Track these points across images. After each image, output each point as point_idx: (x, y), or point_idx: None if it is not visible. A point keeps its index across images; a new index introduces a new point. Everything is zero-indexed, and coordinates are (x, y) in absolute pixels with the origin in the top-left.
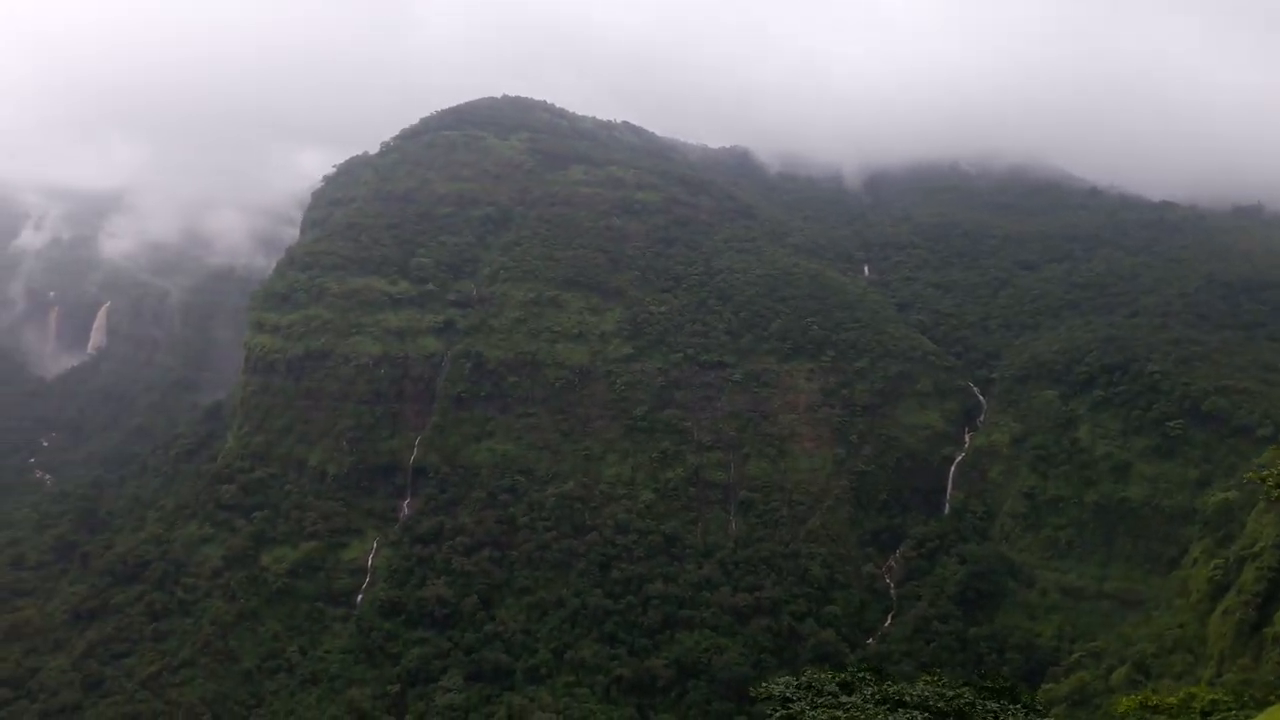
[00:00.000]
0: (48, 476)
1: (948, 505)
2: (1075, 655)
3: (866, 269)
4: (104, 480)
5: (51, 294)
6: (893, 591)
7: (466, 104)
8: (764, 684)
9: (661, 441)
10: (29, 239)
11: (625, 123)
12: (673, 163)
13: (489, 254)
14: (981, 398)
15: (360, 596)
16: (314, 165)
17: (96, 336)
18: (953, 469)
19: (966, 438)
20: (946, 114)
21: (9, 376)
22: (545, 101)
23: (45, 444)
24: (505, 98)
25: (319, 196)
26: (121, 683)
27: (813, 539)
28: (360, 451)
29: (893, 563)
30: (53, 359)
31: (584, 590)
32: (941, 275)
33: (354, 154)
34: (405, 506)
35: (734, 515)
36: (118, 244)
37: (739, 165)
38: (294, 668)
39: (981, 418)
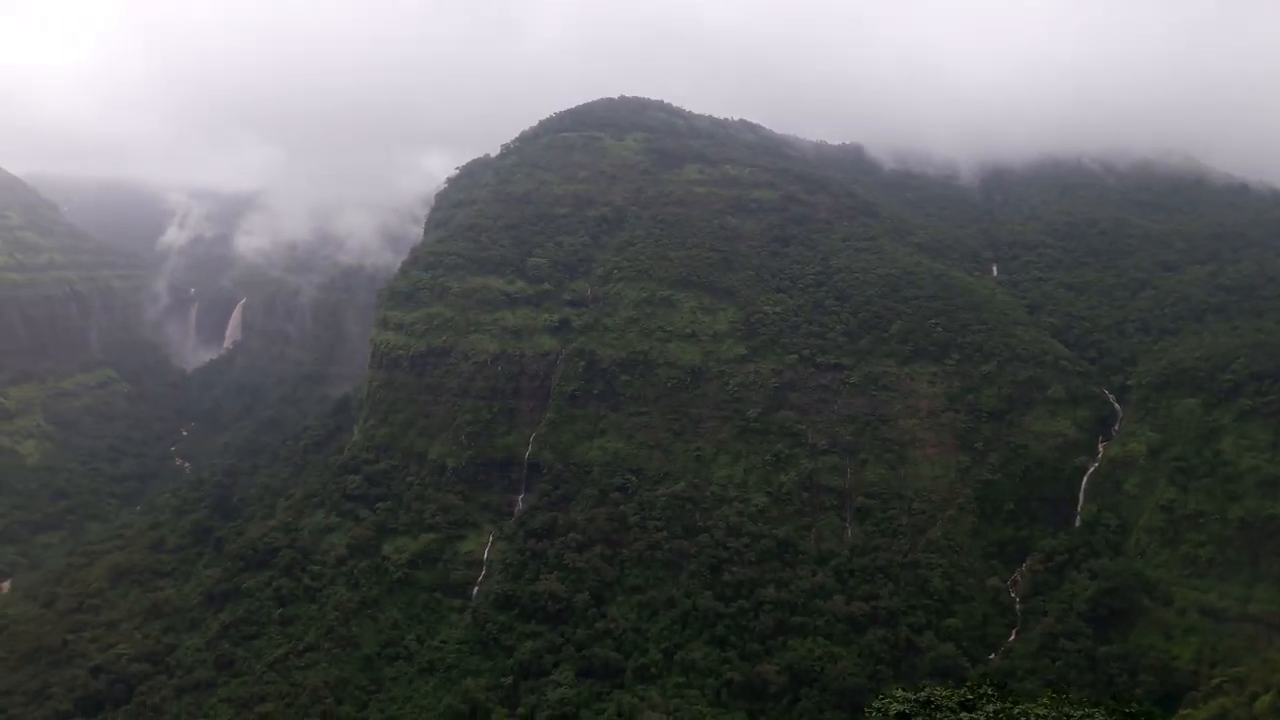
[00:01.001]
0: (186, 464)
1: (1079, 518)
2: (1216, 680)
3: (995, 269)
4: (238, 469)
5: (192, 290)
6: (1018, 606)
7: (584, 105)
8: (881, 699)
9: (775, 444)
10: (174, 236)
11: (742, 120)
12: (790, 160)
13: (603, 254)
14: (1117, 405)
15: (476, 589)
16: (439, 167)
17: (232, 331)
18: (1085, 480)
19: (1100, 447)
20: (1068, 107)
21: (154, 368)
22: (661, 101)
23: (185, 433)
24: (622, 98)
25: (442, 198)
26: (250, 663)
27: (933, 549)
28: (477, 446)
29: (1018, 576)
30: (192, 352)
31: (694, 592)
32: (1075, 276)
33: (476, 156)
34: (520, 501)
35: (850, 522)
36: (253, 242)
37: (853, 162)
38: (412, 656)
39: (1117, 426)
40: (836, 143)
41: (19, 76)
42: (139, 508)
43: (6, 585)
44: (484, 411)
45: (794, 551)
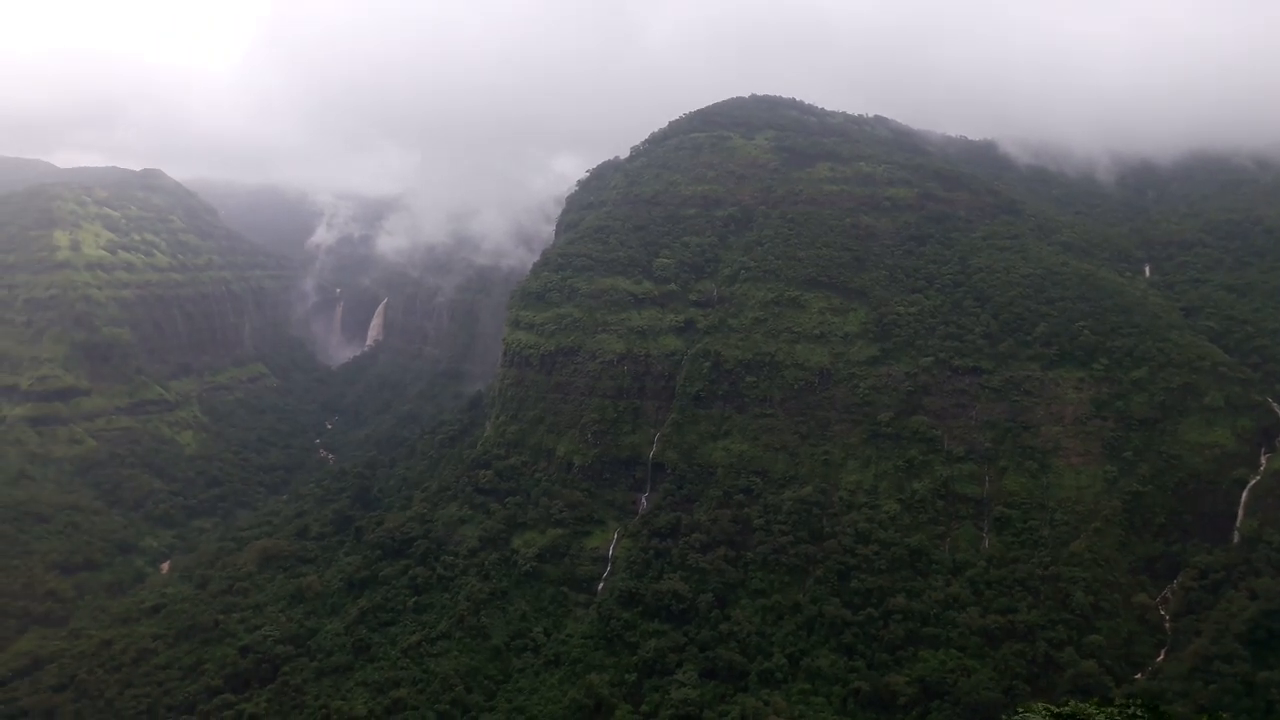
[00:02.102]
0: (330, 456)
1: (1237, 534)
2: None
3: (1148, 269)
4: (377, 461)
5: (338, 290)
6: (1167, 625)
7: (714, 105)
8: (1020, 713)
9: (908, 450)
10: (321, 237)
11: (877, 116)
12: (927, 156)
13: (730, 254)
14: None
15: (601, 584)
16: (570, 170)
17: (375, 330)
18: (1245, 493)
19: (1263, 459)
20: (1216, 102)
21: (301, 364)
22: (793, 99)
23: (329, 426)
24: (753, 97)
25: (572, 201)
26: (386, 649)
27: (1076, 562)
28: (603, 444)
29: (1169, 593)
30: (337, 349)
31: (821, 598)
32: (1236, 277)
33: (606, 159)
34: (644, 500)
35: (987, 532)
36: (394, 243)
37: (986, 159)
38: (539, 648)
39: None
40: (964, 137)
41: (178, 89)
42: (285, 496)
43: (166, 566)
44: (609, 410)
45: (926, 560)
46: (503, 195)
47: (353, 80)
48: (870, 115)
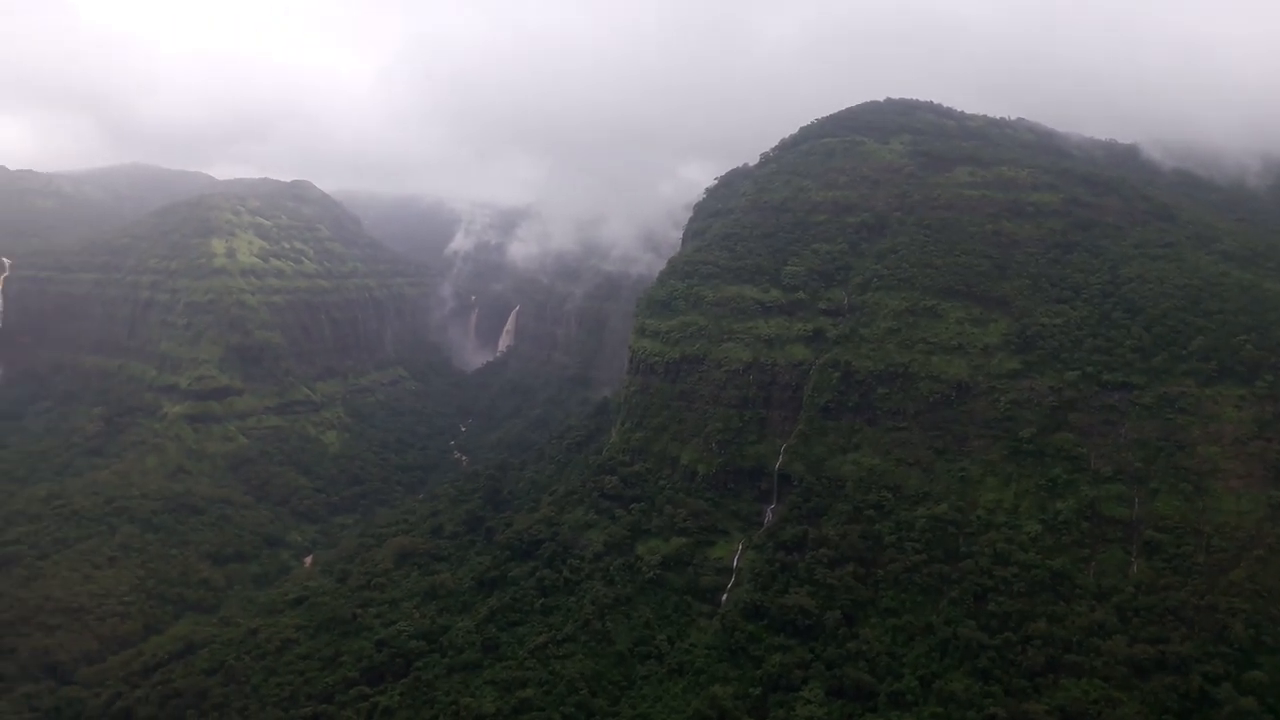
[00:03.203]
0: (464, 457)
1: None
2: None
3: None
4: (508, 463)
5: (473, 297)
6: None
7: (846, 110)
8: None
9: (1051, 468)
10: (459, 244)
11: (1020, 119)
12: (1073, 160)
13: (862, 261)
14: None
15: (725, 596)
16: (698, 177)
17: (507, 336)
18: None
19: None
20: None
21: (438, 368)
22: (930, 102)
23: (463, 429)
24: (888, 100)
25: (699, 208)
26: (513, 649)
27: (1235, 592)
28: (728, 454)
29: None
30: (472, 354)
31: (956, 619)
32: None
33: (735, 165)
34: (769, 512)
35: (1136, 556)
36: (526, 251)
37: (1129, 163)
38: (663, 656)
39: None
40: (1113, 140)
41: (323, 105)
42: (421, 496)
43: (309, 560)
44: (735, 420)
45: (1069, 585)
46: (631, 203)
47: (485, 92)
48: (1014, 118)
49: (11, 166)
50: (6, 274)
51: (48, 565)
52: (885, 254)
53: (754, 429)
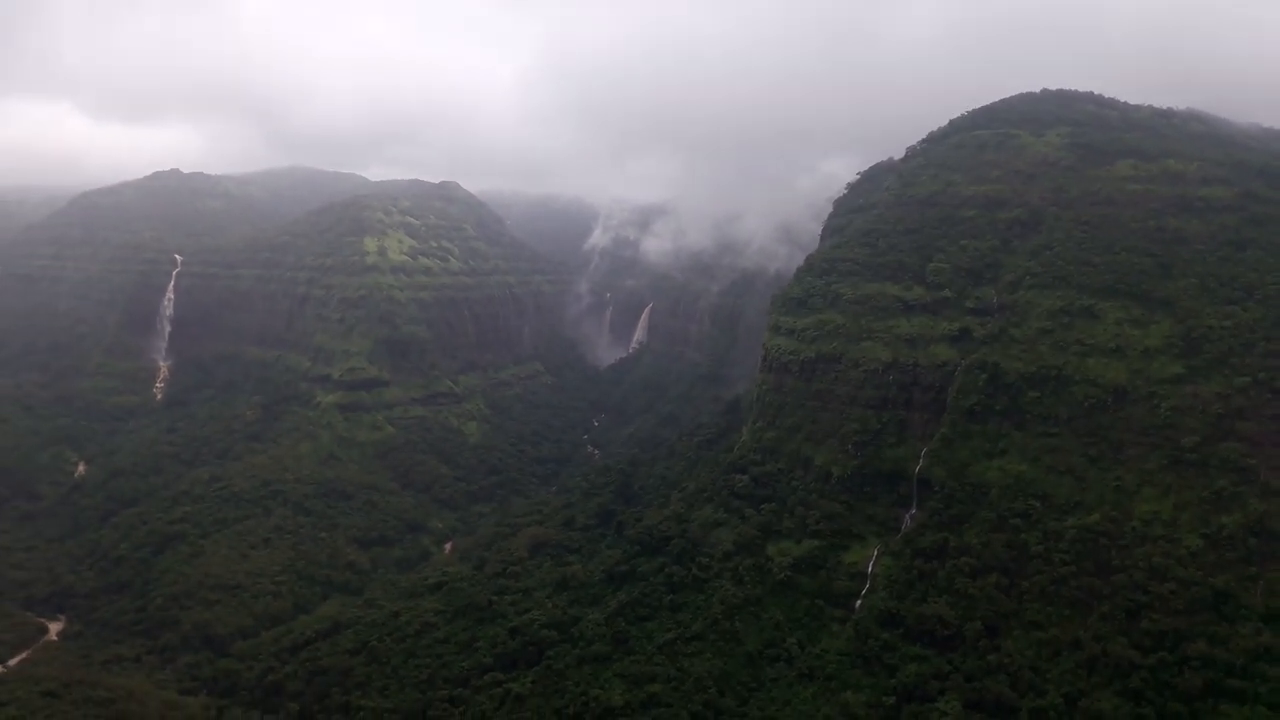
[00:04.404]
0: (596, 451)
1: None
2: None
3: None
4: (639, 459)
5: (608, 294)
6: None
7: (1000, 101)
8: None
9: (1215, 479)
10: (597, 239)
11: (1189, 110)
12: (1249, 152)
13: (1013, 259)
14: None
15: (859, 602)
16: (841, 172)
17: (640, 332)
18: None
19: None
20: None
21: (573, 363)
22: (1091, 92)
23: (596, 423)
24: (1045, 92)
25: (840, 204)
26: (642, 643)
27: None
28: (865, 456)
29: None
30: (605, 350)
31: (1106, 636)
32: None
33: (878, 160)
34: (907, 518)
35: None
36: (661, 247)
37: None
38: (792, 659)
39: None
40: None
41: (469, 108)
42: (554, 488)
43: (449, 546)
44: (872, 421)
45: (1233, 604)
46: (769, 199)
47: (622, 89)
48: (1182, 109)
49: (185, 169)
50: (179, 269)
51: (209, 544)
52: (1039, 251)
53: (893, 431)
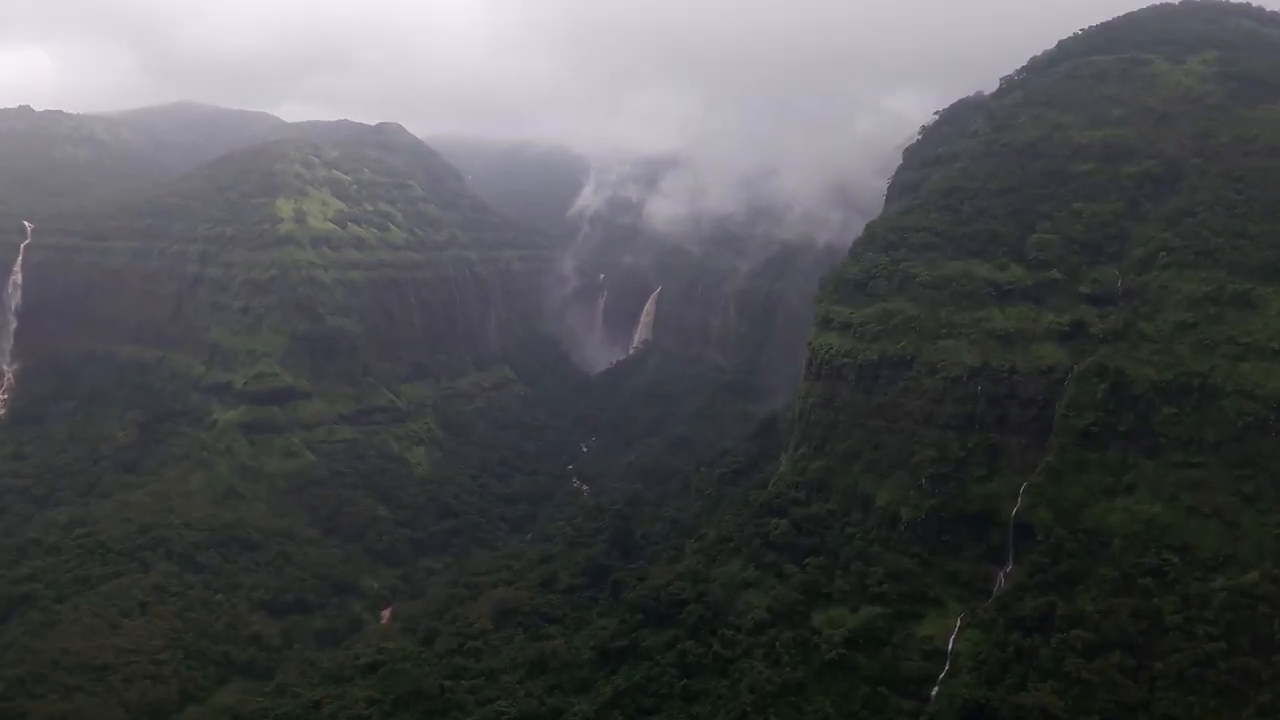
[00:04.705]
0: (585, 487)
1: None
2: None
3: None
4: (641, 497)
5: (601, 276)
6: None
7: (1125, 17)
8: None
9: None
10: (587, 203)
11: None
12: None
13: (1145, 228)
14: None
15: (936, 689)
16: (912, 111)
17: (643, 326)
18: None
19: None
20: None
21: (553, 368)
22: (1246, 4)
23: (584, 449)
24: (1185, 3)
25: (912, 155)
26: None
27: None
28: (944, 493)
29: None
30: (598, 350)
31: None
32: None
33: (963, 95)
34: (1001, 576)
35: None
36: (670, 214)
37: None
38: None
39: None
40: None
41: (416, 28)
42: (529, 535)
43: (387, 614)
44: (954, 446)
45: None
46: (816, 148)
47: (622, 10)
48: None
49: (37, 107)
50: (28, 241)
51: (67, 610)
52: (1178, 218)
53: (981, 460)
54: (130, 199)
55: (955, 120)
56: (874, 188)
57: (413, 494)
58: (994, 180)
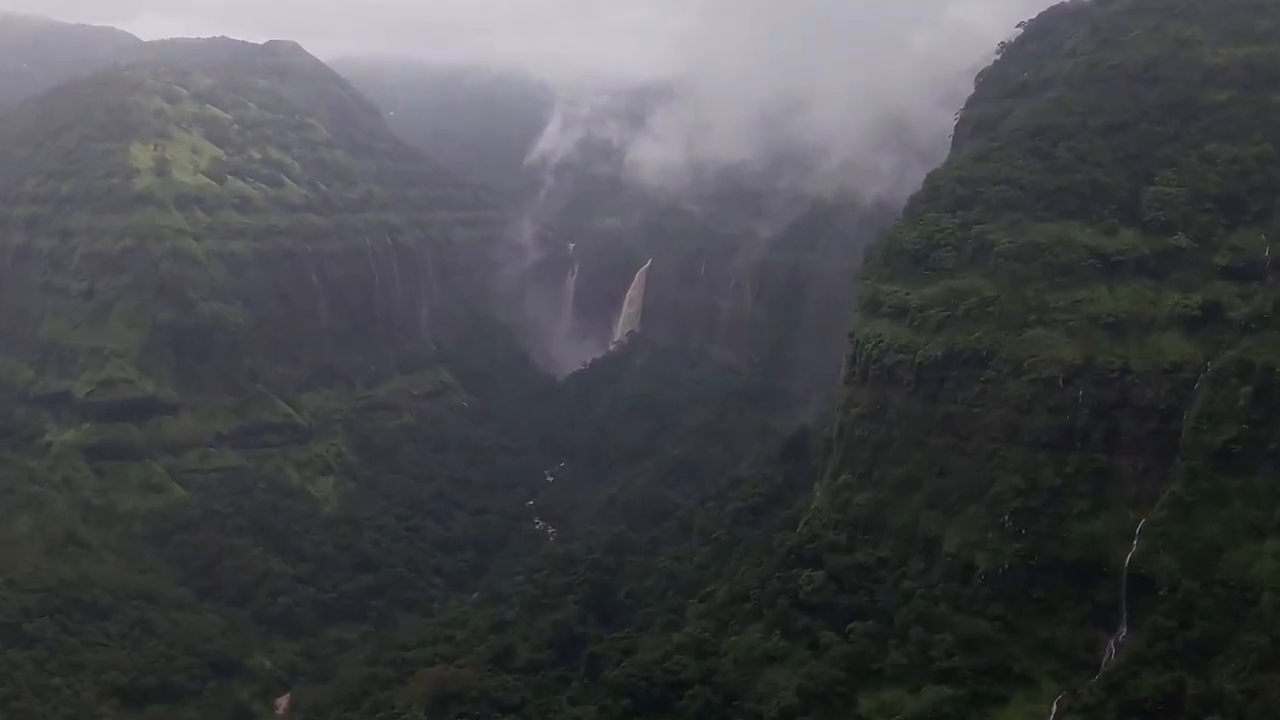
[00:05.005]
0: (550, 529)
1: None
2: None
3: None
4: (626, 542)
5: (571, 244)
6: None
7: None
8: None
9: None
10: (551, 145)
11: None
12: None
13: None
14: None
15: None
16: (984, 23)
17: (629, 315)
18: None
19: None
20: None
21: (507, 370)
22: None
23: (549, 478)
24: None
25: (988, 82)
26: None
27: None
28: (1033, 534)
29: None
30: (565, 344)
31: None
32: None
33: (1055, 2)
34: (1112, 645)
35: None
36: (665, 159)
37: None
38: None
39: None
40: None
41: None
42: (475, 595)
43: (284, 703)
44: (1047, 472)
45: None
46: (858, 71)
47: None
48: None
49: None
50: None
51: None
52: None
53: (1083, 490)
54: None
55: (1045, 35)
56: (937, 125)
57: (317, 540)
58: (1098, 115)
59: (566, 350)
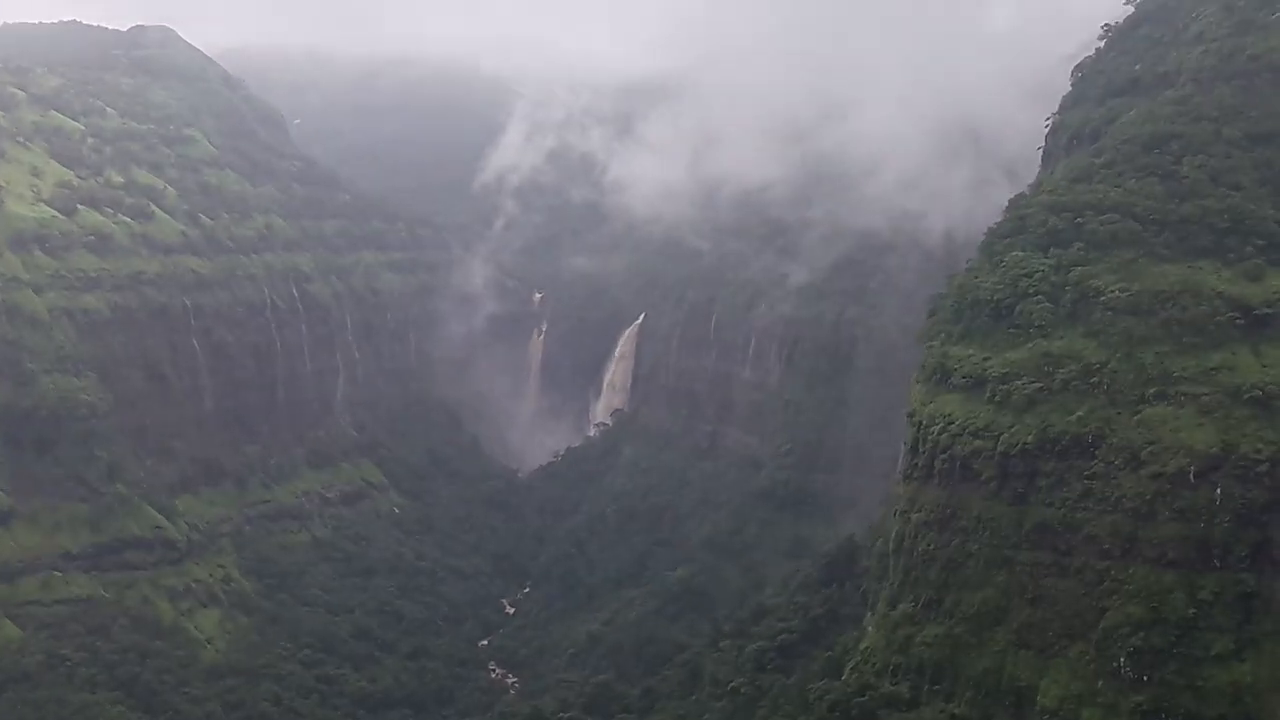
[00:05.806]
0: (511, 680)
1: None
2: None
3: None
4: (614, 694)
5: (538, 295)
6: None
7: None
8: None
9: None
10: (509, 161)
11: None
12: None
13: None
14: None
15: None
16: (1083, 3)
17: (614, 388)
18: None
19: None
20: None
21: (449, 464)
22: None
23: (509, 609)
24: None
25: (1090, 77)
26: None
27: None
28: (1158, 683)
29: None
30: (531, 428)
31: None
32: None
33: None
34: None
35: None
36: (660, 178)
37: None
38: None
39: None
40: None
41: None
42: None
43: None
44: (1177, 598)
45: None
46: (916, 69)
47: None
48: None
49: None
50: None
51: None
52: None
53: (1226, 622)
54: None
55: (1164, 15)
56: (1022, 134)
57: (197, 697)
58: (1236, 121)
59: (531, 437)
